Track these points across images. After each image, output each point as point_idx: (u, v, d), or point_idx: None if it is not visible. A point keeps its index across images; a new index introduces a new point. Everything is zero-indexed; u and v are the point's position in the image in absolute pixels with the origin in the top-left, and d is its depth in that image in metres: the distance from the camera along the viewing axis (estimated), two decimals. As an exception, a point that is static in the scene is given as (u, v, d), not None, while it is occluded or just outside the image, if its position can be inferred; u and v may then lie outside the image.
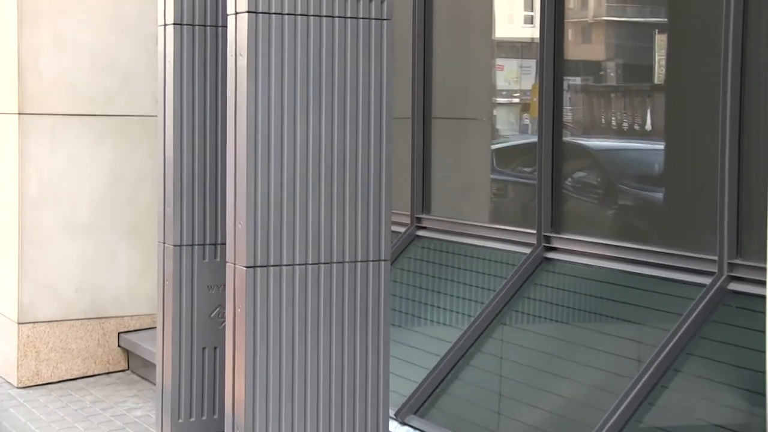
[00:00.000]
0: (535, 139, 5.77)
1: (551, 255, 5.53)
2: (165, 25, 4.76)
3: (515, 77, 6.42)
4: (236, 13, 3.96)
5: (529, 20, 6.36)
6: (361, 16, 4.05)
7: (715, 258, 4.61)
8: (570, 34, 5.63)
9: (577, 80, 5.75)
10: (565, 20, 5.58)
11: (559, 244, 5.51)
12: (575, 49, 5.72)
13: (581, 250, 5.35)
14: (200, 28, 4.72)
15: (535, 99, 5.94)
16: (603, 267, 5.19)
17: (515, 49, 6.54)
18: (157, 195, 4.84)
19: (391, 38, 4.13)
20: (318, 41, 3.99)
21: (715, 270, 4.60)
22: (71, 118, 6.73)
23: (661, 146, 5.34)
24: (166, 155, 4.78)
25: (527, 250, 5.63)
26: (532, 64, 6.13)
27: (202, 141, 4.76)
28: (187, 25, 4.70)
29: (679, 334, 4.52)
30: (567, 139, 5.66)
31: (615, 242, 5.18)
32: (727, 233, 4.57)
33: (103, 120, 6.82)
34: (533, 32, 5.98)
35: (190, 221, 4.72)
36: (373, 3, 4.08)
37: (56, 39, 6.62)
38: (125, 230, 6.87)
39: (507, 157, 6.44)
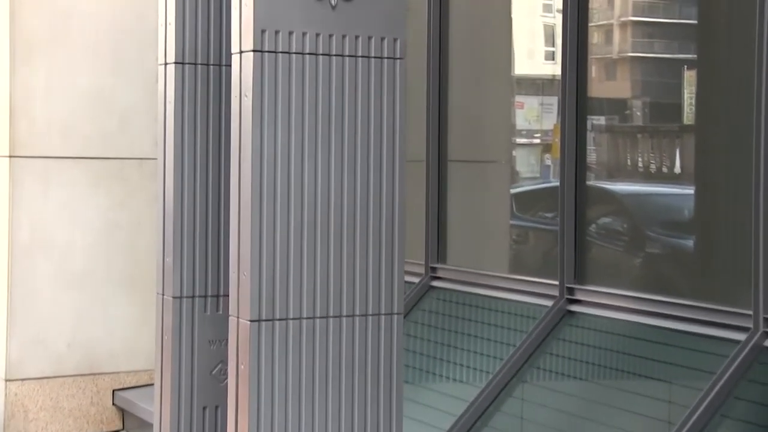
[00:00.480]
0: (557, 182, 5.78)
1: (575, 308, 5.52)
2: (166, 63, 4.80)
3: (536, 116, 6.46)
4: (241, 52, 4.00)
5: (551, 56, 6.41)
6: (373, 55, 4.09)
7: (750, 312, 4.60)
8: (594, 70, 5.67)
9: (601, 119, 5.78)
10: (589, 56, 5.62)
11: (583, 296, 5.51)
12: (599, 87, 5.75)
13: (607, 303, 5.34)
14: (203, 67, 4.76)
15: (557, 139, 5.97)
16: (630, 321, 5.17)
17: (536, 86, 6.59)
18: (156, 243, 4.86)
19: (405, 78, 4.17)
20: (327, 81, 4.02)
21: (750, 325, 4.59)
22: (65, 161, 6.78)
23: (691, 191, 5.35)
24: (165, 200, 4.81)
25: (549, 303, 5.62)
26: (553, 101, 6.17)
27: (204, 186, 4.78)
28: (189, 64, 4.74)
29: (712, 395, 4.50)
30: (591, 182, 5.68)
31: (643, 294, 5.17)
32: (763, 285, 4.55)
33: (98, 163, 6.87)
34: (555, 69, 6.02)
35: (190, 271, 4.73)
36: (386, 41, 4.12)
37: (50, 79, 6.69)
38: (121, 280, 6.88)
39: (527, 202, 6.45)
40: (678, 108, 5.43)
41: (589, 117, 5.63)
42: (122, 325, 6.85)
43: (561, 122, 5.66)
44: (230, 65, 4.35)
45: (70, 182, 6.72)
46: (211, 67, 4.78)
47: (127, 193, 6.88)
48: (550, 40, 6.39)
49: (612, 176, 5.75)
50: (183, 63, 4.73)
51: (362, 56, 4.08)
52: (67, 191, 6.74)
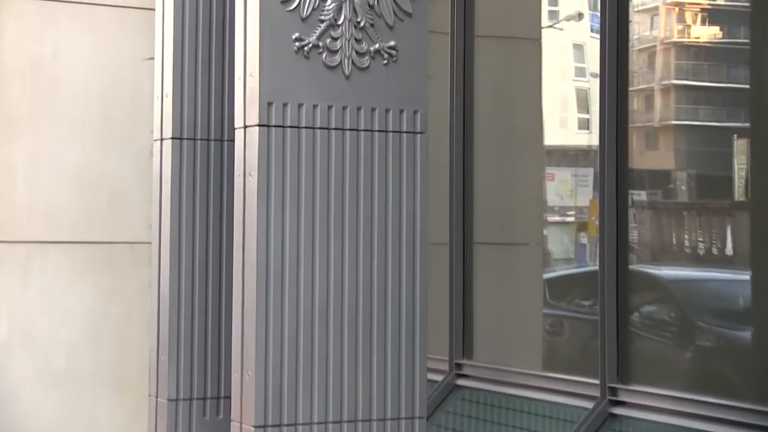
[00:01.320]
0: (595, 266, 5.77)
1: (618, 410, 5.47)
2: (162, 139, 4.86)
3: (569, 190, 6.47)
4: (245, 126, 4.05)
5: (584, 124, 6.45)
6: (391, 129, 4.14)
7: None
8: (634, 139, 5.70)
9: (643, 194, 5.78)
10: (629, 124, 5.65)
11: (626, 397, 5.46)
12: (640, 157, 5.77)
13: (655, 405, 5.29)
14: (203, 142, 4.82)
15: (594, 217, 5.97)
16: (680, 426, 5.12)
17: (569, 157, 6.62)
18: (149, 338, 4.86)
19: (426, 153, 4.20)
20: (341, 158, 4.06)
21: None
22: (48, 246, 6.82)
23: (746, 276, 5.33)
24: (160, 290, 4.82)
25: (589, 405, 5.58)
26: (589, 173, 6.19)
27: (203, 274, 4.80)
28: (187, 139, 4.80)
29: None
30: (634, 266, 5.67)
31: (694, 395, 5.12)
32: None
33: (85, 248, 6.90)
34: (590, 138, 6.05)
35: (188, 371, 4.73)
36: (405, 114, 4.16)
37: (34, 156, 6.75)
38: (109, 380, 6.87)
39: (562, 288, 6.44)
40: (729, 181, 5.43)
41: (630, 191, 5.64)
42: (109, 430, 6.81)
43: (599, 197, 5.67)
44: (233, 141, 4.40)
45: (54, 270, 6.74)
46: (212, 142, 4.84)
47: (116, 281, 6.90)
48: (584, 106, 6.43)
49: (657, 259, 5.74)
50: (181, 138, 4.79)
51: (379, 130, 4.12)
52: (50, 280, 6.76)
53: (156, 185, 4.87)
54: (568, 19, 6.60)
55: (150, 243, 4.96)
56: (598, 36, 5.85)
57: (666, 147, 5.84)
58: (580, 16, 6.52)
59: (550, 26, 6.63)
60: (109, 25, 6.61)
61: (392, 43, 4.19)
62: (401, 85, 4.18)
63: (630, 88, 5.66)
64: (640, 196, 5.76)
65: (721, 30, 5.86)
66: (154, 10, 5.81)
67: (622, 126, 5.64)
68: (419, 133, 4.19)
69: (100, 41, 6.59)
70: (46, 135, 6.77)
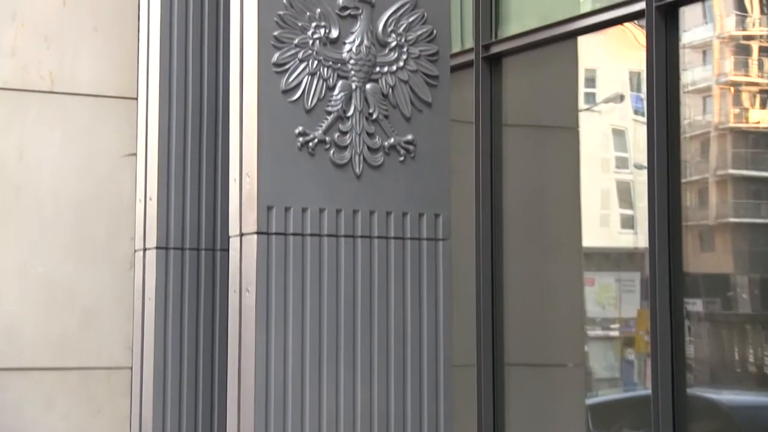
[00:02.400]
0: (647, 389, 5.74)
1: None
2: (145, 249, 4.88)
3: (612, 298, 6.47)
4: (241, 234, 4.07)
5: (629, 222, 6.47)
6: (409, 236, 4.16)
7: None
8: (689, 239, 5.70)
9: (698, 303, 5.78)
10: (683, 222, 5.66)
11: None
12: (696, 261, 5.77)
13: None
14: (192, 252, 4.84)
15: (643, 331, 5.96)
16: None
17: (611, 260, 6.62)
18: (129, 480, 4.83)
19: (450, 262, 4.21)
20: (351, 270, 4.07)
21: None
22: (11, 374, 6.80)
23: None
24: (142, 425, 4.80)
25: None
26: (635, 278, 6.19)
27: (192, 405, 4.79)
28: (174, 249, 4.82)
29: None
30: (692, 390, 5.64)
31: None
32: None
33: (54, 375, 6.88)
34: (635, 238, 6.06)
35: None
36: (425, 218, 4.19)
37: (-4, 272, 6.76)
38: None
39: (608, 416, 6.41)
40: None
41: (685, 299, 5.63)
42: None
43: (649, 307, 5.65)
44: (227, 250, 4.42)
45: (16, 401, 6.72)
46: (203, 252, 4.86)
47: (90, 413, 6.87)
48: (627, 201, 6.46)
49: (717, 381, 5.71)
50: (167, 248, 4.81)
51: (395, 237, 4.14)
52: (14, 413, 6.73)
53: (137, 302, 4.88)
54: (607, 101, 6.66)
55: (130, 369, 4.95)
56: (641, 119, 5.90)
57: (724, 248, 5.84)
58: (620, 98, 6.58)
59: (586, 109, 6.69)
60: (84, 117, 6.67)
61: (409, 137, 4.22)
62: (420, 185, 4.21)
63: (682, 180, 5.68)
64: (695, 305, 5.75)
65: (784, 114, 5.91)
66: (135, 99, 5.87)
67: (674, 224, 5.65)
68: (441, 239, 4.21)
69: (73, 135, 6.65)
70: (10, 244, 6.79)
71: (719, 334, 5.80)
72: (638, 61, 5.96)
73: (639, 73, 6.04)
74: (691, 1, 5.47)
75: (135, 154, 5.22)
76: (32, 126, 6.58)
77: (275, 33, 4.10)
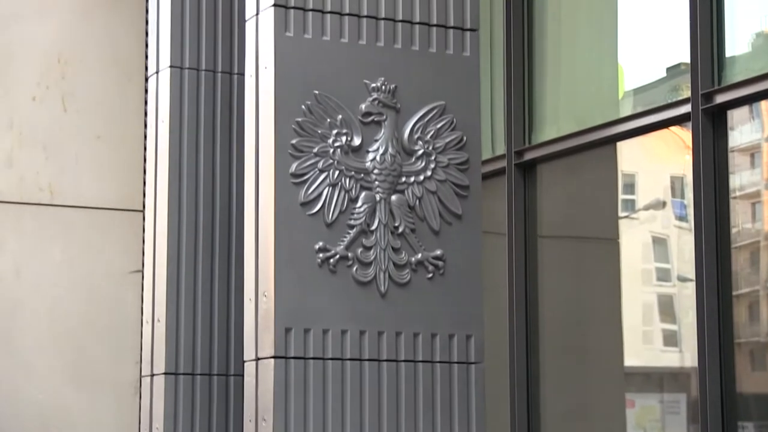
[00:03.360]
0: None
1: None
2: (152, 375, 4.87)
3: (656, 421, 6.42)
4: (257, 359, 4.08)
5: (673, 340, 6.44)
6: (438, 359, 4.16)
7: None
8: (741, 357, 5.67)
9: (750, 427, 5.74)
10: (735, 339, 5.63)
11: None
12: (749, 381, 5.74)
13: None
14: (203, 378, 4.82)
15: (691, 457, 5.92)
16: None
17: (652, 380, 6.59)
18: None
19: (483, 387, 4.20)
20: (376, 397, 4.08)
21: None
22: None
23: None
24: None
25: None
26: (680, 399, 6.15)
27: None
28: (184, 374, 4.81)
29: None
30: None
31: None
32: None
33: None
34: (680, 357, 6.03)
35: None
36: (456, 339, 4.19)
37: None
38: None
39: None
40: None
41: (738, 423, 5.59)
42: None
43: (701, 431, 5.61)
44: (242, 376, 4.41)
45: None
46: (215, 378, 4.85)
47: None
48: (670, 317, 6.43)
49: None
50: (176, 373, 4.79)
51: (423, 361, 4.12)
52: None
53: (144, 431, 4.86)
54: (647, 208, 6.66)
55: None
56: (685, 225, 5.89)
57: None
58: (662, 204, 6.58)
59: (626, 217, 6.70)
60: (86, 231, 6.68)
61: (438, 252, 4.23)
62: (450, 304, 4.21)
63: (733, 293, 5.66)
64: (748, 429, 5.71)
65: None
66: (141, 211, 5.89)
67: (726, 341, 5.62)
68: (474, 363, 4.20)
69: (73, 251, 6.65)
70: (4, 370, 6.76)
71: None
72: (680, 164, 5.97)
73: (682, 178, 6.05)
74: (739, 103, 5.48)
75: (141, 271, 5.23)
76: (30, 241, 6.59)
77: (293, 141, 4.13)
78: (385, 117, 4.24)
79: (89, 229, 6.70)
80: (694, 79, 5.57)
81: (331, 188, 4.16)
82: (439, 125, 4.30)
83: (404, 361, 4.12)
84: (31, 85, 6.66)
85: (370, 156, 4.21)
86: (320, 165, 4.15)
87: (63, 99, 6.70)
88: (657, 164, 6.52)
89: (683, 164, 5.90)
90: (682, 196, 6.23)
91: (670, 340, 6.49)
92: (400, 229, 4.20)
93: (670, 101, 5.88)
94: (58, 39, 6.72)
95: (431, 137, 4.28)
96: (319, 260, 4.10)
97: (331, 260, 4.11)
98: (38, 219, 6.63)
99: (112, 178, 6.74)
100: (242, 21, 4.70)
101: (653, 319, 6.67)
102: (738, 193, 5.77)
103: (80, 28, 6.76)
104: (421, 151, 4.27)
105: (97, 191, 6.72)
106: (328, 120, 4.17)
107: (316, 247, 4.10)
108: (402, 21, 4.31)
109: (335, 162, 4.17)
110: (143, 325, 4.96)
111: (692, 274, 5.72)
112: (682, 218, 6.21)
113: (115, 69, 6.78)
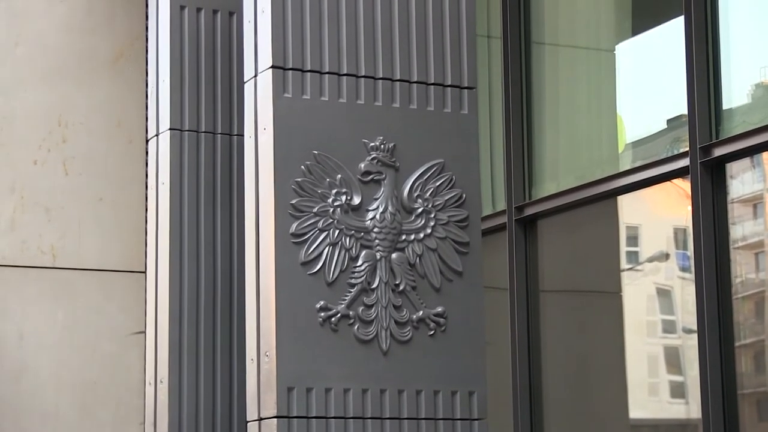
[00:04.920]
0: None
1: None
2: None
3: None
4: (260, 419, 4.07)
5: (679, 392, 6.43)
6: (441, 416, 4.17)
7: None
8: (745, 408, 5.66)
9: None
10: (738, 390, 5.62)
11: None
12: (754, 430, 5.72)
13: None
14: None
15: None
16: None
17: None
18: None
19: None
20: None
21: None
22: None
23: None
24: None
25: None
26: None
27: None
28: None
29: None
30: None
31: None
32: None
33: None
34: (687, 409, 6.02)
35: None
36: (458, 397, 4.19)
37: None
38: None
39: None
40: None
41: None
42: None
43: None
44: (245, 437, 4.41)
45: None
46: (219, 437, 4.85)
47: None
48: (676, 368, 6.41)
49: None
50: (179, 434, 4.80)
51: (426, 418, 4.12)
52: None
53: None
54: (650, 260, 6.65)
55: None
56: (688, 276, 5.88)
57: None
58: (665, 256, 6.58)
59: (629, 269, 6.70)
60: (88, 294, 6.68)
61: (440, 309, 4.23)
62: (452, 361, 4.21)
63: (736, 344, 5.65)
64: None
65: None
66: (143, 272, 5.89)
67: (729, 392, 5.61)
68: (477, 419, 4.20)
69: (76, 313, 6.64)
70: (10, 435, 6.73)
71: None
72: (682, 216, 5.97)
73: (684, 229, 6.04)
74: (738, 156, 5.49)
75: (144, 332, 5.21)
76: (33, 304, 6.59)
77: (293, 201, 4.14)
78: (384, 176, 4.26)
79: (92, 291, 6.70)
80: (692, 133, 5.58)
81: (331, 247, 4.17)
82: (438, 183, 4.31)
83: (407, 418, 4.12)
84: (33, 149, 6.69)
85: (370, 215, 4.23)
86: (320, 224, 4.16)
87: (64, 162, 6.72)
88: (659, 216, 6.53)
89: (685, 215, 5.90)
90: (685, 248, 6.23)
91: (676, 391, 6.47)
92: (401, 287, 4.21)
93: (669, 155, 5.89)
94: (60, 103, 6.75)
95: (431, 195, 4.29)
96: (321, 319, 4.10)
97: (333, 319, 4.11)
98: (41, 282, 6.62)
99: (114, 240, 6.74)
100: (241, 82, 4.72)
101: (659, 371, 6.66)
102: (740, 244, 5.77)
103: (81, 92, 6.79)
104: (420, 209, 4.28)
105: (100, 253, 6.72)
106: (328, 179, 4.19)
107: (318, 306, 4.11)
108: (400, 80, 4.34)
109: (335, 221, 4.18)
110: (146, 387, 4.95)
111: (695, 326, 5.72)
112: (685, 269, 6.21)
113: (116, 132, 6.80)
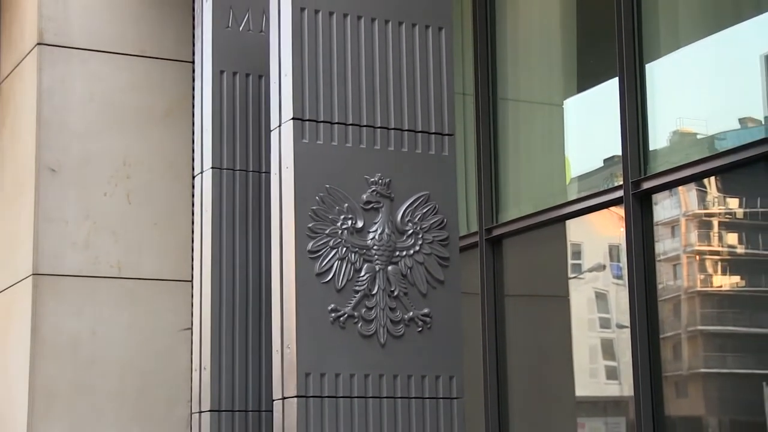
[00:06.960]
0: None
1: None
2: (201, 412, 4.81)
3: (602, 440, 6.35)
4: (283, 398, 4.03)
5: (614, 374, 6.38)
6: (427, 395, 4.13)
7: None
8: (668, 387, 5.62)
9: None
10: (662, 373, 5.58)
11: None
12: (674, 406, 5.67)
13: None
14: (241, 414, 4.75)
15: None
16: None
17: (598, 407, 6.51)
18: None
19: (463, 418, 4.15)
20: (378, 427, 4.04)
21: None
22: None
23: None
24: None
25: None
26: (620, 422, 6.08)
27: None
28: (225, 411, 4.75)
29: None
30: None
31: None
32: None
33: None
34: (620, 388, 5.97)
35: None
36: (441, 380, 4.15)
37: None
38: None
39: None
40: (762, 428, 5.31)
41: (667, 441, 5.52)
42: None
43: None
44: (271, 412, 4.36)
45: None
46: (250, 413, 4.79)
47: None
48: (611, 356, 6.37)
49: None
50: (219, 410, 4.74)
51: (416, 397, 4.08)
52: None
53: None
54: (591, 270, 6.63)
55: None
56: (620, 282, 5.86)
57: (697, 395, 5.74)
58: (602, 267, 6.55)
59: (574, 277, 6.66)
60: (147, 299, 6.65)
61: (426, 310, 4.20)
62: (436, 352, 4.17)
63: (660, 336, 5.62)
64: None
65: (742, 279, 5.87)
66: (190, 281, 5.87)
67: (655, 374, 5.57)
68: (456, 398, 4.16)
69: (137, 315, 6.61)
70: (84, 413, 6.68)
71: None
72: (617, 235, 5.96)
73: (618, 246, 6.03)
74: (662, 188, 5.49)
75: (190, 329, 5.19)
76: (103, 308, 6.56)
77: (309, 225, 4.12)
78: (381, 204, 4.24)
79: (149, 296, 6.66)
80: (625, 169, 5.57)
81: (340, 261, 4.14)
82: (424, 210, 4.28)
83: (400, 397, 4.09)
84: (103, 184, 6.66)
85: (371, 235, 4.20)
86: (331, 243, 4.13)
87: (128, 194, 6.69)
88: (598, 235, 6.50)
89: (619, 235, 5.88)
90: (618, 260, 6.21)
91: (612, 374, 6.43)
92: (396, 293, 4.18)
93: (606, 187, 5.88)
94: (124, 148, 6.73)
95: (418, 220, 4.26)
96: (332, 319, 4.07)
97: (341, 318, 4.08)
98: (109, 290, 6.59)
99: (166, 256, 6.71)
100: (268, 131, 4.71)
101: (598, 358, 6.61)
102: (662, 257, 5.75)
103: (141, 138, 6.77)
104: (411, 231, 4.25)
105: (155, 266, 6.69)
106: (337, 208, 4.17)
107: (329, 308, 4.08)
108: (394, 129, 4.31)
109: (343, 240, 4.15)
110: (192, 373, 4.92)
111: (627, 322, 5.69)
112: (618, 277, 6.18)
113: (168, 170, 6.78)
